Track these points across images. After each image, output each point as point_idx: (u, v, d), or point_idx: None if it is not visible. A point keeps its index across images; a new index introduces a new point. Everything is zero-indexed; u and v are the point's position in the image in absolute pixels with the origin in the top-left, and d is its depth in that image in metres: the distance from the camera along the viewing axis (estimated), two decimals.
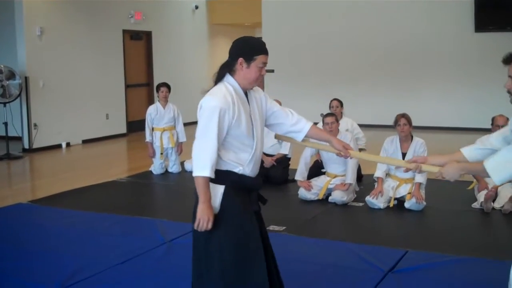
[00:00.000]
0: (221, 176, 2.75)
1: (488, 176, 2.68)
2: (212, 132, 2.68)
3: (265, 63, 2.82)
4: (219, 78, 2.86)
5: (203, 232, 2.70)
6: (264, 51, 2.82)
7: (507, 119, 6.04)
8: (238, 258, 2.73)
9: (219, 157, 2.73)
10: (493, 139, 2.96)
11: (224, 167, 2.77)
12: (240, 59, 2.80)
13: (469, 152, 3.00)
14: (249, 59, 2.80)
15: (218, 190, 2.75)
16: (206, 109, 2.73)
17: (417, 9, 12.32)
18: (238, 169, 2.78)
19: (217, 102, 2.72)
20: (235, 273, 2.73)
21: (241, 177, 2.79)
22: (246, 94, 2.89)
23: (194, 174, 2.69)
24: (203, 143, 2.69)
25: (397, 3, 12.53)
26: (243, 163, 2.80)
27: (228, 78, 2.85)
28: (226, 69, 2.84)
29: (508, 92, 2.73)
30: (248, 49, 2.82)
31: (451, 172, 2.78)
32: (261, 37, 14.07)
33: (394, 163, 3.30)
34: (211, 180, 2.71)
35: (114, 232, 5.28)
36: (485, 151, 2.93)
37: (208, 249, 2.75)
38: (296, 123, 3.03)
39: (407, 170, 3.20)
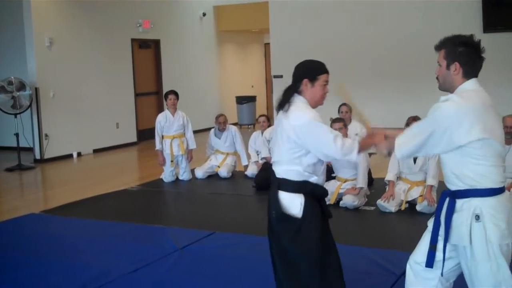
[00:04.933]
0: (298, 186, 3.02)
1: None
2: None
3: (327, 81, 3.13)
4: (285, 100, 3.09)
5: (289, 237, 3.01)
6: (325, 71, 3.14)
7: None
8: (322, 255, 3.02)
9: (297, 169, 3.01)
10: None
11: (302, 178, 3.02)
12: (305, 80, 3.08)
13: None
14: (313, 79, 3.09)
15: (297, 199, 3.01)
16: (312, 122, 2.99)
17: (426, 11, 12.27)
18: (313, 179, 3.04)
19: (314, 114, 3.05)
20: (319, 273, 3.00)
21: (315, 186, 3.07)
22: None
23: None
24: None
25: (405, 5, 12.49)
26: (317, 173, 3.06)
27: (298, 97, 3.10)
28: (292, 91, 3.10)
29: (437, 78, 2.87)
30: (311, 70, 3.12)
31: (382, 148, 2.98)
32: (269, 43, 14.08)
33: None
34: (291, 190, 3.01)
35: (126, 240, 5.30)
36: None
37: (295, 251, 3.02)
38: None
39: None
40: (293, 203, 3.01)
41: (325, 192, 3.18)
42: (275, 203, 3.04)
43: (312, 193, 3.07)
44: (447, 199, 2.76)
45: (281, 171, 3.08)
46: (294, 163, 3.03)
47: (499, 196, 2.66)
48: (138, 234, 5.53)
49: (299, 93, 3.10)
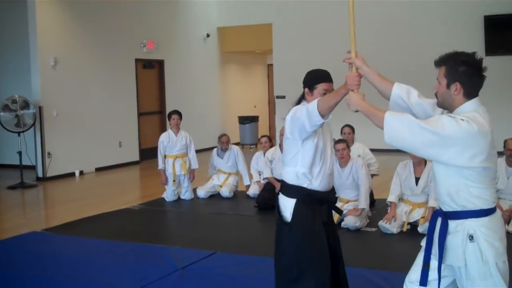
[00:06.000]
0: (293, 190, 3.24)
1: (381, 127, 2.66)
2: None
3: (326, 90, 3.24)
4: (297, 104, 3.35)
5: (280, 238, 3.26)
6: (324, 80, 3.29)
7: None
8: (308, 258, 3.17)
9: (294, 170, 3.23)
10: (426, 104, 2.87)
11: (297, 182, 3.23)
12: (306, 89, 3.33)
13: (399, 89, 2.93)
14: (311, 88, 3.29)
15: (290, 203, 3.23)
16: (298, 108, 3.23)
17: (428, 35, 12.37)
18: (307, 184, 3.22)
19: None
20: (306, 269, 3.17)
21: (311, 192, 3.23)
22: None
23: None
24: None
25: (407, 29, 12.60)
26: (314, 178, 3.22)
27: (304, 103, 3.33)
28: (301, 97, 3.38)
29: (435, 95, 2.77)
30: (309, 80, 3.33)
31: (353, 102, 2.89)
32: (272, 64, 14.16)
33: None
34: (287, 194, 3.26)
35: (128, 259, 5.30)
36: (404, 104, 2.89)
37: (285, 249, 3.24)
38: None
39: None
40: (286, 207, 3.24)
41: (326, 197, 3.31)
42: (276, 205, 3.33)
43: (309, 198, 3.22)
44: (440, 220, 2.74)
45: (283, 172, 3.34)
46: (292, 163, 3.25)
47: (492, 215, 2.66)
48: (140, 253, 5.52)
49: (306, 100, 3.33)
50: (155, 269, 4.89)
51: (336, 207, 3.63)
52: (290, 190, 3.26)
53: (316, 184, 3.25)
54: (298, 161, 3.23)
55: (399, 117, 2.65)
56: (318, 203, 3.27)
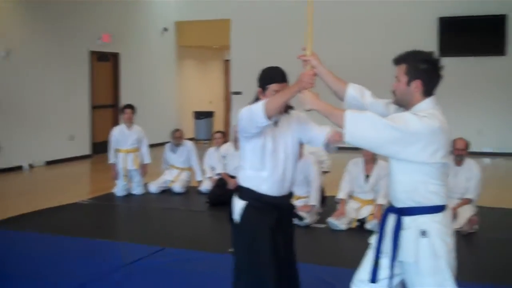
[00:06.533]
0: (244, 192, 3.18)
1: (340, 126, 2.66)
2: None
3: (278, 91, 3.06)
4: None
5: (233, 238, 3.23)
6: (276, 80, 3.11)
7: (466, 142, 6.17)
8: (249, 261, 3.11)
9: (245, 170, 3.18)
10: (380, 103, 2.95)
11: (246, 184, 3.17)
12: (259, 90, 3.18)
13: (353, 90, 2.98)
14: (264, 89, 3.15)
15: (240, 205, 3.17)
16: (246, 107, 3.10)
17: (382, 34, 12.54)
18: (256, 187, 3.14)
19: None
20: (247, 271, 3.12)
21: (262, 196, 3.14)
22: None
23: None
24: None
25: (362, 28, 12.74)
26: (262, 182, 3.13)
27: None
28: (256, 99, 3.20)
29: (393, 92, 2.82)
30: (262, 80, 3.18)
31: (308, 101, 2.84)
32: (229, 59, 14.11)
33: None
34: (239, 196, 3.20)
35: (74, 254, 5.20)
36: (359, 104, 2.95)
37: (235, 249, 3.24)
38: (318, 132, 3.30)
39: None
40: (236, 208, 3.20)
41: (278, 203, 3.16)
42: (229, 206, 3.27)
43: (259, 202, 3.14)
44: (394, 216, 2.76)
45: (239, 172, 3.27)
46: (243, 163, 3.21)
47: (445, 212, 2.72)
48: (86, 248, 5.42)
49: (260, 100, 3.14)
50: (102, 264, 4.82)
51: (297, 214, 3.48)
52: (241, 191, 3.20)
53: (265, 188, 3.14)
54: (247, 163, 3.18)
55: (361, 115, 2.65)
56: (269, 208, 3.15)
